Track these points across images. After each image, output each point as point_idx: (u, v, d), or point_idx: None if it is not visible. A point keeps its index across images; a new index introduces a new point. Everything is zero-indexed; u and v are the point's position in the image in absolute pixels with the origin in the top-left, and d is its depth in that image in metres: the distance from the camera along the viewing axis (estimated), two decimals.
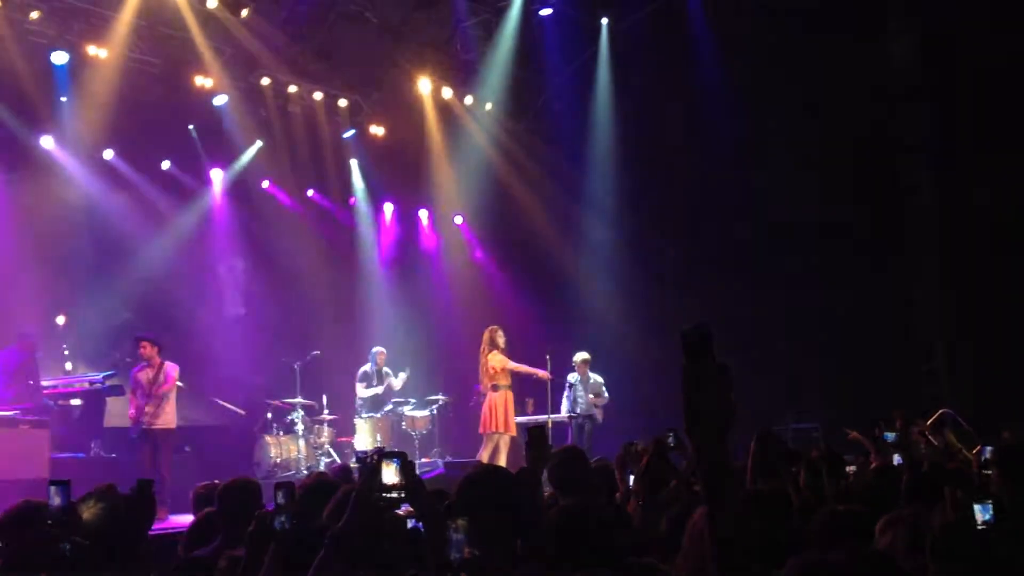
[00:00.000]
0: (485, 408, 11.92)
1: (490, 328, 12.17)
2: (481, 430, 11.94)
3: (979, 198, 12.62)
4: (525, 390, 13.37)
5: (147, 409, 10.44)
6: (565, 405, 12.80)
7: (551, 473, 4.95)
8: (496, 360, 11.87)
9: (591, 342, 13.93)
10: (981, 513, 2.63)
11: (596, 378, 12.96)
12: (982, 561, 2.29)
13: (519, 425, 12.06)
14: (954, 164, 13.11)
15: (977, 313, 12.69)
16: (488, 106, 15.68)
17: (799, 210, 13.67)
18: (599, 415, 12.79)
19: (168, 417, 10.60)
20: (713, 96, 14.23)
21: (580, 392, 12.76)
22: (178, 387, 10.79)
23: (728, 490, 1.90)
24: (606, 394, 12.96)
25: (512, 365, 11.99)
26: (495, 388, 11.84)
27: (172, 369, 10.72)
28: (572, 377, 12.78)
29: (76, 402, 11.78)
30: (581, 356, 12.81)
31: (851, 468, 6.65)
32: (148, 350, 10.62)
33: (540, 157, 16.10)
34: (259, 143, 15.01)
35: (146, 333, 10.94)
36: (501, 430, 11.73)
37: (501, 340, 12.02)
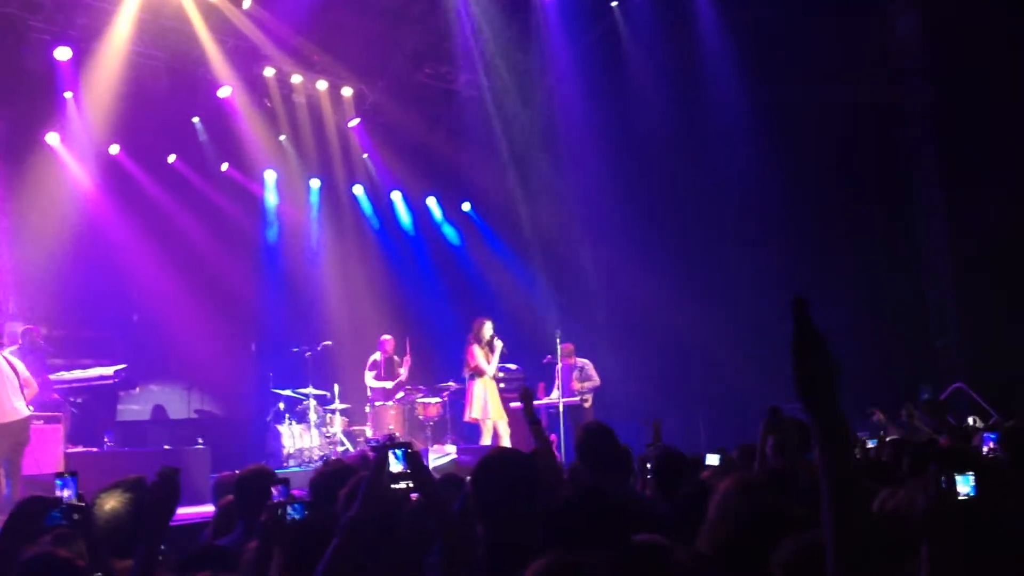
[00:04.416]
0: (465, 397, 12.15)
1: (478, 320, 12.32)
2: (465, 418, 12.17)
3: (985, 179, 12.60)
4: (537, 375, 13.44)
5: None
6: (555, 393, 12.96)
7: (578, 447, 4.97)
8: (476, 355, 12.00)
9: (601, 324, 13.94)
10: (963, 485, 2.67)
11: (583, 363, 13.01)
12: (967, 532, 2.32)
13: (513, 411, 12.23)
14: (961, 140, 13.08)
15: (989, 287, 12.67)
16: (493, 92, 15.63)
17: (806, 187, 13.68)
18: (588, 400, 12.85)
19: None
20: (721, 79, 14.27)
21: (563, 380, 12.89)
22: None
23: (851, 462, 1.90)
24: (595, 378, 13.00)
25: (485, 366, 12.07)
26: (473, 377, 12.01)
27: None
28: (557, 368, 12.90)
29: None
30: (563, 346, 12.84)
31: (871, 445, 6.68)
32: None
33: (548, 141, 16.05)
34: (283, 137, 15.10)
35: None
36: (485, 417, 11.86)
37: (486, 333, 12.14)
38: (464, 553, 3.15)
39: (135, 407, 13.44)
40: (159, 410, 13.68)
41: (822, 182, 13.73)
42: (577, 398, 12.76)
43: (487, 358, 12.08)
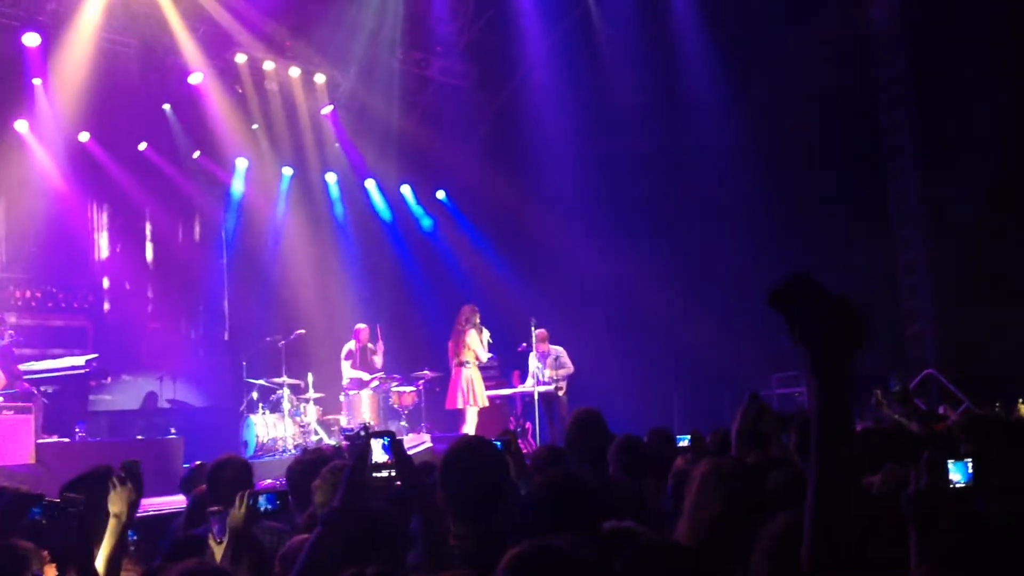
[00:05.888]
0: (456, 384, 12.06)
1: (470, 306, 12.31)
2: (451, 405, 12.09)
3: (963, 160, 12.62)
4: (512, 363, 13.46)
5: None
6: (529, 381, 12.95)
7: (568, 437, 4.95)
8: (472, 341, 12.00)
9: (575, 311, 13.96)
10: (958, 472, 2.63)
11: (556, 351, 13.03)
12: (960, 520, 2.30)
13: (490, 398, 12.36)
14: (937, 124, 13.13)
15: (963, 273, 12.73)
16: (467, 78, 15.57)
17: (781, 170, 13.73)
18: (562, 387, 12.87)
19: None
20: (697, 63, 14.30)
21: (537, 367, 12.89)
22: None
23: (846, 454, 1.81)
24: (569, 365, 13.01)
25: (481, 352, 12.10)
26: (464, 364, 11.97)
27: None
28: (531, 355, 12.91)
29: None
30: (537, 332, 12.85)
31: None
32: None
33: (522, 128, 16.00)
34: (255, 125, 14.95)
35: None
36: (472, 404, 11.88)
37: (477, 319, 12.18)
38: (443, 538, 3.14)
39: (107, 397, 13.34)
40: (151, 398, 13.58)
41: (797, 166, 13.72)
42: (551, 386, 12.76)
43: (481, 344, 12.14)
